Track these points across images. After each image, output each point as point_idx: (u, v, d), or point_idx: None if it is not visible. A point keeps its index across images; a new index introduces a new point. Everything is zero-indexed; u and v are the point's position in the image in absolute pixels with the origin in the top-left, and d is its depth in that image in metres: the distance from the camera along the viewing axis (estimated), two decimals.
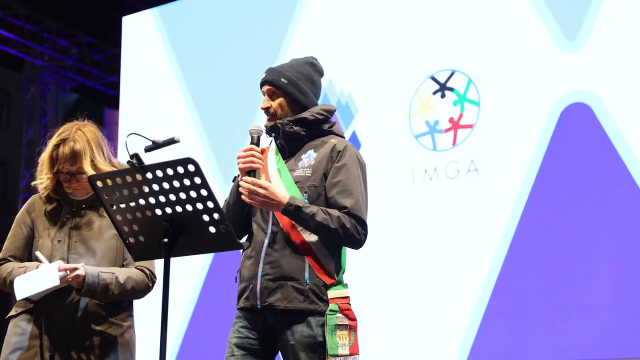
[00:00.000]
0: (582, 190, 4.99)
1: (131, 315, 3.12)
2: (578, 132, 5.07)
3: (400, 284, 5.45)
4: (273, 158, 3.02)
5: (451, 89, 5.56)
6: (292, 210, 2.82)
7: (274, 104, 3.04)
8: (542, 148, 5.14)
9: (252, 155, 2.87)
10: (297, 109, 3.04)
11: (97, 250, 3.04)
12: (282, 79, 3.03)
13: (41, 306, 2.96)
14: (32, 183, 3.20)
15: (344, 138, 3.10)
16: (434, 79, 5.64)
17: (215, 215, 2.46)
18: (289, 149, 3.02)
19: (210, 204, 2.44)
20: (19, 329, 3.00)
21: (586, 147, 5.03)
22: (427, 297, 5.34)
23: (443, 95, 5.59)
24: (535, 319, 4.98)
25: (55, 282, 2.83)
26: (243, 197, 2.84)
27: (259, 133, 2.96)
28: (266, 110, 3.04)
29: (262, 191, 2.80)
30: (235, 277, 3.01)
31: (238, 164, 2.89)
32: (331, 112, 3.10)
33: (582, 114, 5.06)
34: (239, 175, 2.97)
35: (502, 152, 5.28)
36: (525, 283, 5.06)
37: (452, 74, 5.58)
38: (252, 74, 6.61)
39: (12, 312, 3.06)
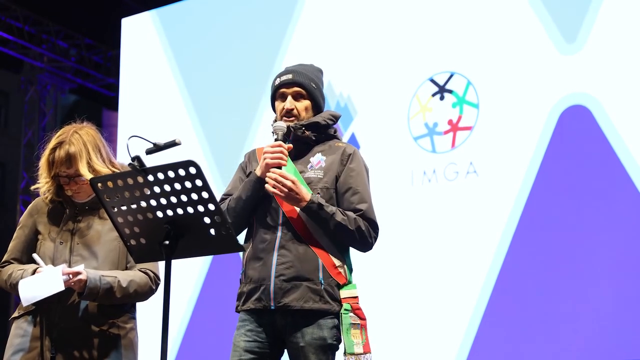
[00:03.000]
0: (581, 193, 4.99)
1: (133, 317, 3.12)
2: (577, 135, 5.08)
3: (399, 286, 5.46)
4: None
5: (450, 91, 5.57)
6: (315, 208, 2.85)
7: (299, 105, 3.06)
8: (541, 150, 5.15)
9: (281, 152, 2.88)
10: (314, 113, 3.09)
11: (99, 253, 3.05)
12: (312, 84, 3.07)
13: (42, 308, 2.97)
14: (32, 187, 3.22)
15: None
16: (433, 81, 5.65)
17: (217, 218, 2.47)
18: (296, 151, 3.03)
19: (211, 207, 2.45)
20: (21, 330, 3.02)
21: (585, 149, 5.03)
22: (426, 298, 5.35)
23: (442, 97, 5.59)
24: (534, 321, 4.99)
25: (60, 288, 2.85)
26: (267, 186, 2.85)
27: (283, 130, 2.96)
28: (290, 111, 3.04)
29: (289, 183, 2.82)
30: (240, 279, 3.01)
31: (264, 158, 2.89)
32: (338, 118, 3.15)
33: (581, 116, 5.07)
34: (254, 170, 2.97)
35: (501, 154, 5.29)
36: (523, 285, 5.07)
37: (451, 76, 5.59)
38: (251, 76, 6.66)
39: (15, 314, 3.08)
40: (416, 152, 5.61)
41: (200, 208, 2.46)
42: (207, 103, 6.76)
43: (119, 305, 3.04)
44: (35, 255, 3.01)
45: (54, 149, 3.05)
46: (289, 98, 3.05)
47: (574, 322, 4.86)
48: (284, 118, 3.05)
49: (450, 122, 5.53)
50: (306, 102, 3.06)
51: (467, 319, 5.18)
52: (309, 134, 3.02)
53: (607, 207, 4.89)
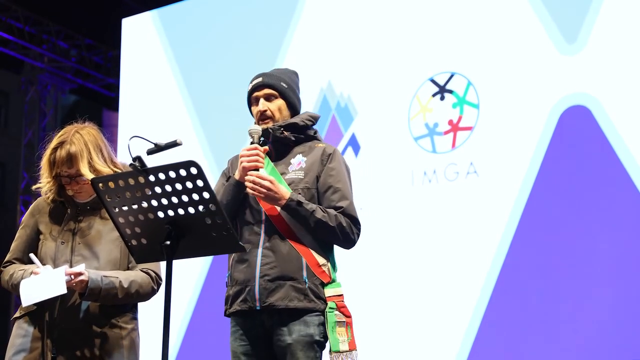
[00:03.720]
0: (581, 193, 4.99)
1: (135, 318, 3.13)
2: (577, 135, 5.08)
3: (399, 286, 5.46)
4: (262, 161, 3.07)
5: (450, 92, 5.58)
6: (294, 205, 2.89)
7: (272, 106, 3.12)
8: (541, 150, 5.15)
9: (257, 155, 2.92)
10: (290, 113, 3.15)
11: (100, 253, 3.05)
12: (282, 83, 3.12)
13: (43, 308, 2.98)
14: (33, 187, 3.22)
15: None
16: (433, 81, 5.66)
17: (218, 218, 2.47)
18: (276, 153, 3.09)
19: (212, 207, 2.46)
20: (22, 330, 3.02)
21: (585, 149, 5.04)
22: (426, 299, 5.35)
23: (442, 98, 5.60)
24: (534, 321, 4.99)
25: (62, 291, 2.84)
26: (248, 190, 2.90)
27: (259, 133, 3.01)
28: (263, 112, 3.10)
29: (267, 184, 2.87)
30: (227, 283, 3.04)
31: (241, 162, 2.94)
32: (316, 119, 3.21)
33: (581, 116, 5.07)
34: (233, 175, 3.02)
35: (501, 154, 5.30)
36: (524, 286, 5.07)
37: (452, 76, 5.59)
38: (251, 76, 6.62)
39: (17, 314, 3.09)
40: (416, 152, 5.62)
41: (202, 208, 2.46)
42: (207, 103, 6.76)
43: (120, 305, 3.04)
44: (32, 255, 3.01)
45: (55, 149, 3.06)
46: (261, 100, 3.12)
47: (574, 322, 4.86)
48: (260, 121, 3.11)
49: (450, 122, 5.53)
50: (279, 102, 3.12)
51: (467, 319, 5.18)
52: (288, 134, 3.07)
53: (607, 207, 4.90)
